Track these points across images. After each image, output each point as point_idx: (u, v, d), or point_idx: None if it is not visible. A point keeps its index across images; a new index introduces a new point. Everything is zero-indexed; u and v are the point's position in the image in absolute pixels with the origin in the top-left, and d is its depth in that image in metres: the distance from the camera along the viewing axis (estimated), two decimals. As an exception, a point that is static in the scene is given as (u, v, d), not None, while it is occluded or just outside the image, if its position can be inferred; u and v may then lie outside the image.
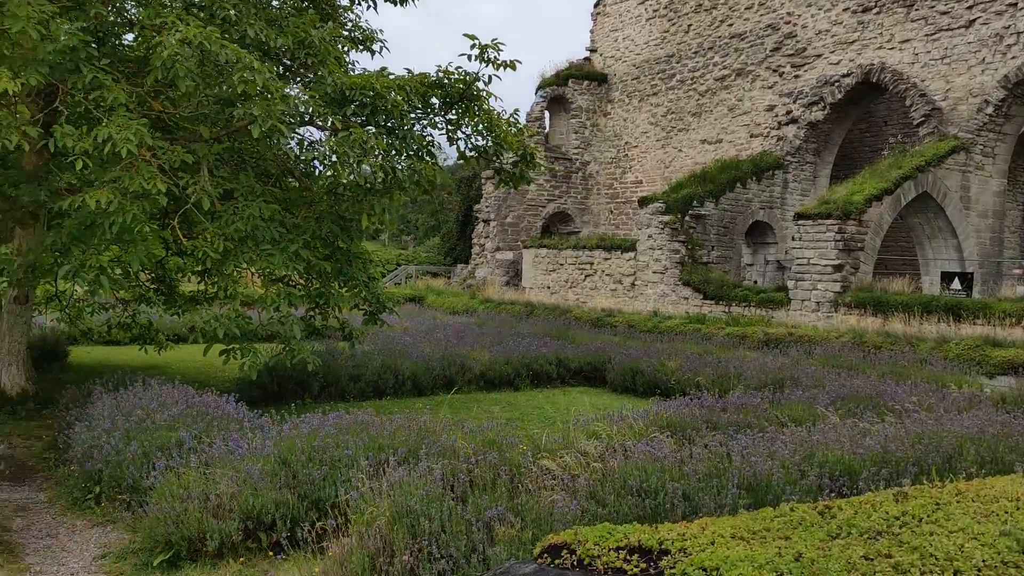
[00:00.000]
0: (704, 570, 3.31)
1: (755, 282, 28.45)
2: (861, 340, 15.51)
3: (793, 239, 22.68)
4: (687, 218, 26.80)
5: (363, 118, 9.60)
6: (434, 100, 11.26)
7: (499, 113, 11.74)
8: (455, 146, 11.55)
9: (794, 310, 21.80)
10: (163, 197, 8.60)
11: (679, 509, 5.26)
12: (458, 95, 10.78)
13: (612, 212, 38.63)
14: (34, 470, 8.39)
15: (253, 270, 9.63)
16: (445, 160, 64.45)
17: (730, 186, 27.96)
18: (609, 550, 3.60)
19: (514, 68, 10.35)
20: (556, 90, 38.14)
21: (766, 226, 29.09)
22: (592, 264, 30.35)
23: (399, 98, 9.64)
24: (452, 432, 6.78)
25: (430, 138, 11.64)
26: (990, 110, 23.09)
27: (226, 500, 5.71)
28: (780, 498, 5.41)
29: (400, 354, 14.67)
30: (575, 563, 3.57)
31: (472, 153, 11.45)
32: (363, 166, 9.50)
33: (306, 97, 9.16)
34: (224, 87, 8.86)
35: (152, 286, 15.50)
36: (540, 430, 7.96)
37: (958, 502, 4.26)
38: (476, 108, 10.85)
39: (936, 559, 3.41)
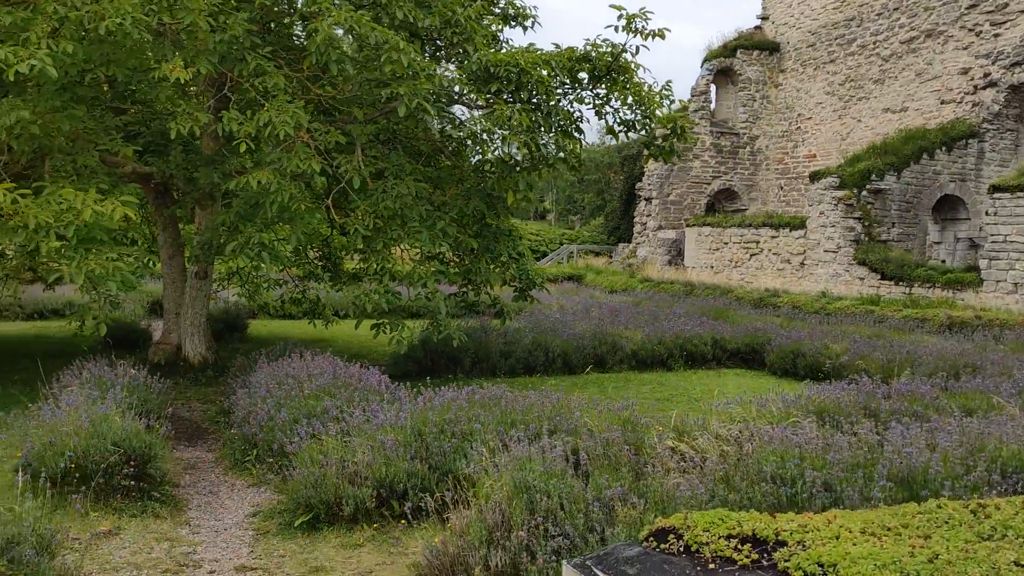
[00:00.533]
0: (821, 566, 3.03)
1: (943, 261, 26.20)
2: (1062, 325, 13.89)
3: (987, 214, 20.66)
4: (864, 193, 25.05)
5: (508, 95, 9.60)
6: (582, 75, 11.11)
7: (650, 86, 11.41)
8: (603, 120, 11.34)
9: (987, 292, 19.86)
10: (318, 177, 9.01)
11: (818, 500, 4.90)
12: (605, 68, 10.55)
13: (782, 188, 36.80)
14: (207, 432, 9.10)
15: (402, 247, 9.90)
16: (603, 138, 64.02)
17: (915, 158, 25.82)
18: (719, 538, 3.38)
19: (663, 37, 9.98)
20: (723, 62, 36.68)
21: (957, 200, 26.66)
22: (758, 243, 29.11)
23: (544, 73, 9.55)
24: (586, 410, 6.68)
25: (578, 114, 11.51)
26: None
27: (362, 468, 5.92)
28: (938, 493, 4.91)
29: (551, 332, 14.68)
30: (681, 549, 3.38)
31: (620, 128, 11.19)
32: (508, 143, 9.52)
33: (453, 76, 9.26)
34: (374, 69, 9.13)
35: (320, 263, 16.41)
36: (683, 412, 7.71)
37: None
38: (624, 81, 10.57)
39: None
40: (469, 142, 9.55)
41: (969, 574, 2.85)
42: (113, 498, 6.02)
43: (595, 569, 3.37)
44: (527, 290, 13.06)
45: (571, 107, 10.79)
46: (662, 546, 3.44)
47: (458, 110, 12.05)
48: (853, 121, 33.07)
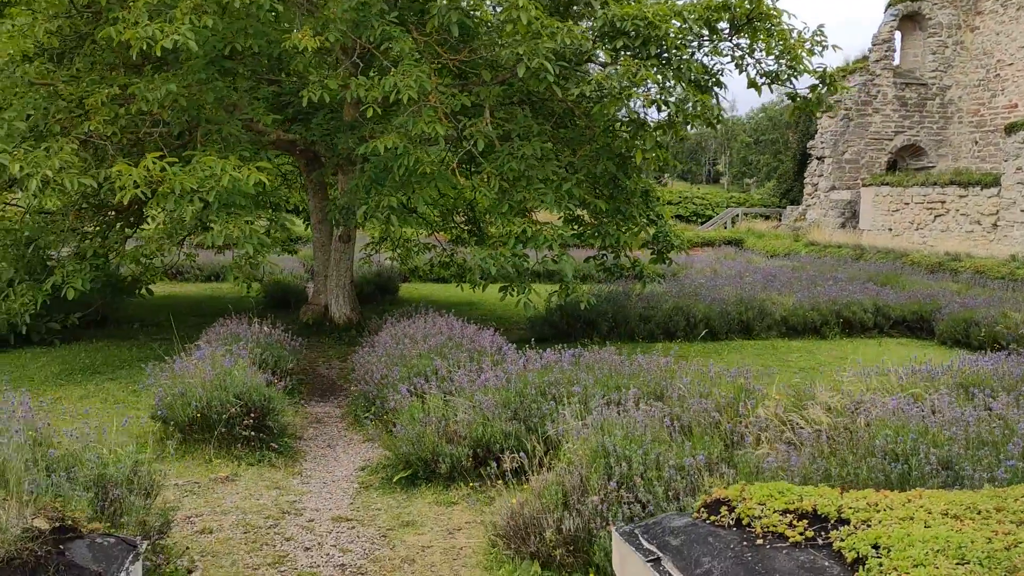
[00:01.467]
0: (876, 548, 2.69)
1: None
2: None
3: None
4: (1070, 145, 22.30)
5: (635, 50, 9.22)
6: (722, 24, 10.50)
7: (799, 32, 10.61)
8: (744, 73, 10.68)
9: None
10: (441, 140, 9.09)
11: (934, 479, 4.39)
12: (745, 16, 9.90)
13: (976, 143, 33.44)
14: (340, 388, 9.52)
15: (528, 207, 9.82)
16: (781, 96, 60.73)
17: None
18: (774, 512, 3.08)
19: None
20: (910, 6, 33.61)
21: None
22: (943, 203, 26.73)
23: (676, 25, 9.08)
24: (699, 376, 6.37)
25: (718, 67, 10.92)
26: None
27: (461, 427, 5.95)
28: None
29: (694, 296, 14.17)
30: (732, 522, 3.11)
31: (764, 80, 10.49)
32: (636, 100, 9.17)
33: (578, 33, 8.99)
34: (497, 29, 9.05)
35: (466, 227, 16.70)
36: (824, 381, 7.20)
37: None
38: (769, 28, 9.88)
39: None
40: (593, 100, 9.23)
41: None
42: (234, 447, 6.41)
43: (640, 537, 3.18)
44: (665, 253, 12.66)
45: (707, 60, 10.23)
46: (712, 518, 3.18)
47: (594, 70, 11.76)
48: (1062, 65, 29.43)
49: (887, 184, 29.57)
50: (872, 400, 5.19)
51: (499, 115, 10.24)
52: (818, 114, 10.98)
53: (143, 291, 13.27)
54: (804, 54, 10.55)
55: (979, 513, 2.97)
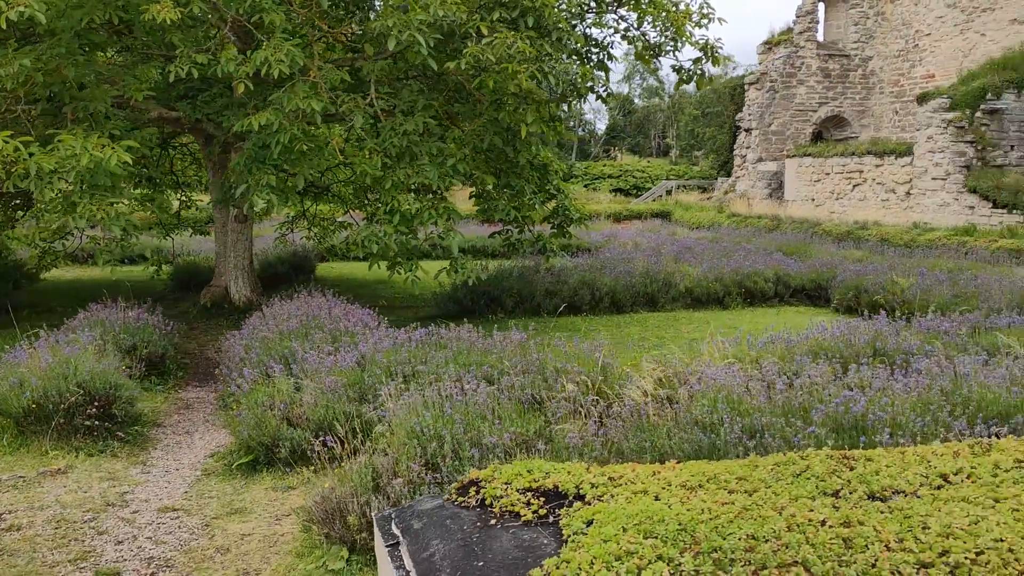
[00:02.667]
0: (588, 524, 2.69)
1: (1072, 188, 23.68)
2: None
3: (1113, 133, 18.42)
4: (978, 114, 22.85)
5: (510, 22, 9.10)
6: (608, -4, 10.44)
7: (686, 5, 10.61)
8: (632, 46, 10.66)
9: (1110, 220, 17.86)
10: (318, 116, 8.88)
11: (740, 448, 4.45)
12: (628, -13, 9.85)
13: (896, 113, 34.10)
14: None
15: (410, 184, 9.68)
16: (724, 69, 61.13)
17: (1039, 73, 23.27)
18: (517, 491, 3.07)
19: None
20: (832, -23, 34.03)
21: (1089, 119, 23.91)
22: (861, 172, 27.26)
23: (551, -5, 8.98)
24: (548, 351, 6.36)
25: (608, 40, 10.88)
26: None
27: (307, 410, 5.86)
28: (875, 443, 4.37)
29: (599, 270, 14.24)
30: (477, 503, 3.09)
31: (649, 53, 10.47)
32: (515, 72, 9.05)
33: (451, 4, 8.82)
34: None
35: (380, 206, 16.47)
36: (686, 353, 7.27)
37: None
38: (647, 0, 9.85)
39: (926, 532, 2.48)
40: (471, 74, 9.11)
41: (726, 543, 2.43)
42: (75, 437, 6.22)
43: (392, 522, 3.14)
44: (565, 226, 12.66)
45: (597, 33, 10.16)
46: (460, 499, 3.16)
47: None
48: (977, 36, 30.07)
49: (809, 155, 30.05)
50: (700, 372, 5.23)
51: (383, 90, 10.06)
52: (699, 88, 10.93)
53: (39, 276, 12.84)
54: (690, 26, 10.57)
55: (719, 485, 2.99)
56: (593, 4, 10.34)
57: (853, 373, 5.60)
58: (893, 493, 2.94)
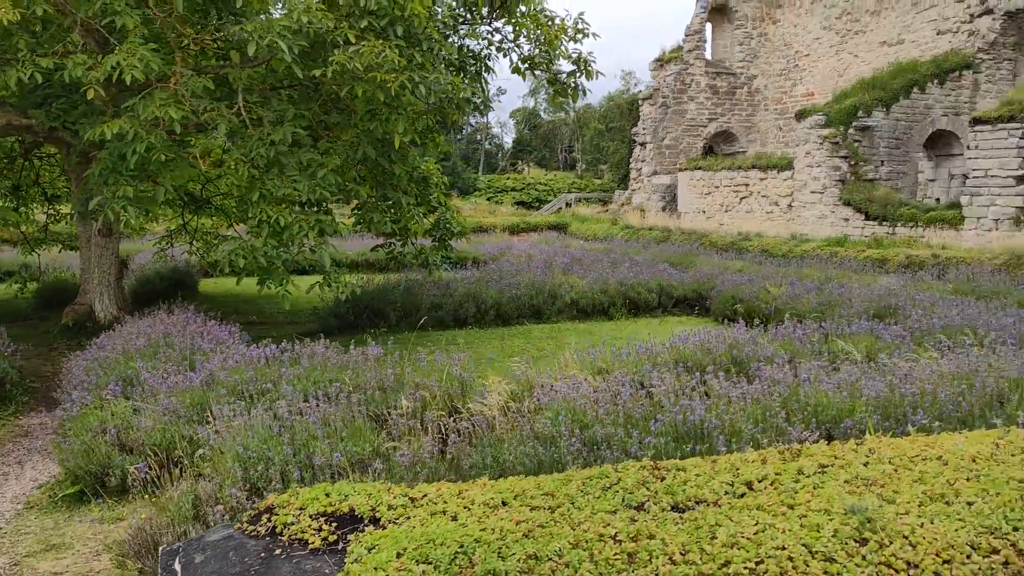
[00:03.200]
0: (368, 549, 2.57)
1: (937, 200, 25.13)
2: (1019, 262, 13.07)
3: (969, 148, 19.63)
4: (851, 131, 23.99)
5: (379, 30, 8.95)
6: (486, 9, 10.41)
7: (562, 19, 10.69)
8: (508, 58, 10.66)
9: (968, 229, 18.97)
10: (176, 125, 8.50)
11: (578, 461, 4.40)
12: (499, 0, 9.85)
13: (780, 129, 35.54)
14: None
15: (279, 196, 9.38)
16: (627, 83, 62.33)
17: (905, 92, 24.62)
18: (309, 517, 2.92)
19: (552, -38, 9.24)
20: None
21: (950, 135, 25.46)
22: (747, 185, 28.23)
23: (418, 7, 8.87)
24: (408, 366, 6.21)
25: (486, 51, 10.85)
26: None
27: (144, 434, 5.52)
28: (715, 449, 4.40)
29: (485, 283, 14.19)
30: (267, 531, 2.93)
31: (525, 66, 10.50)
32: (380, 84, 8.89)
33: (316, 10, 8.60)
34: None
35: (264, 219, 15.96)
36: (552, 364, 7.24)
37: (866, 464, 3.14)
38: (521, 13, 9.87)
39: (713, 543, 2.46)
40: (338, 83, 8.91)
41: (515, 555, 2.35)
42: None
43: (177, 556, 2.93)
44: (447, 239, 12.55)
45: (475, 45, 10.11)
46: (250, 528, 2.99)
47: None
48: (850, 56, 31.68)
49: (700, 168, 30.94)
50: (547, 384, 5.19)
51: (252, 99, 9.74)
52: (574, 101, 10.98)
53: None
54: (567, 40, 10.66)
55: (525, 502, 2.91)
56: (469, 15, 10.29)
57: (700, 382, 5.67)
58: (696, 503, 2.93)
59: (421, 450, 4.34)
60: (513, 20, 10.30)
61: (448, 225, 12.22)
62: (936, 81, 24.81)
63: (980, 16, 25.41)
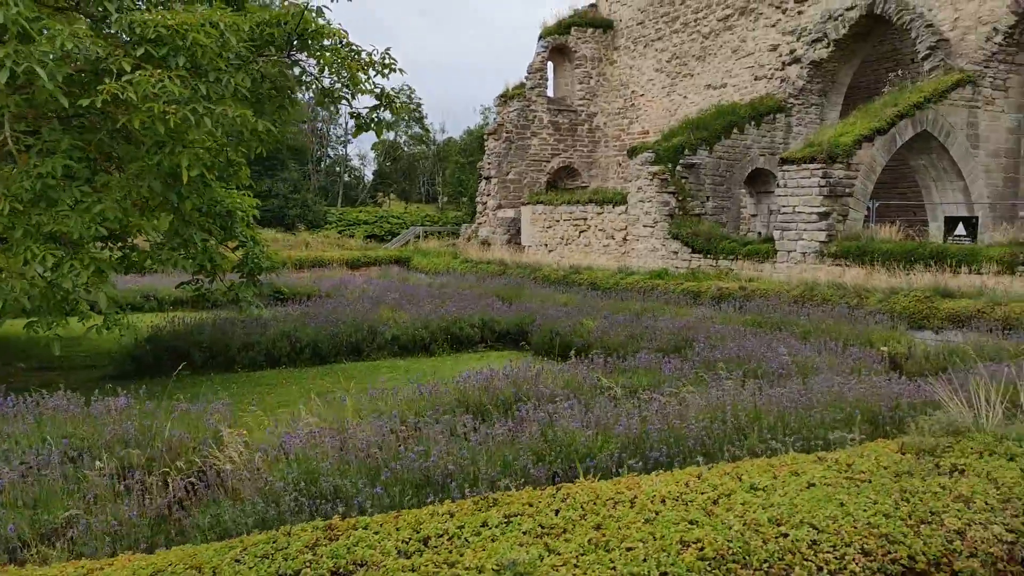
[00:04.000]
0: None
1: (759, 233, 26.71)
2: (811, 294, 13.96)
3: (778, 186, 20.98)
4: (678, 168, 25.16)
5: (158, 59, 8.51)
6: (288, 40, 10.14)
7: (369, 54, 10.57)
8: (309, 91, 10.42)
9: (780, 262, 20.19)
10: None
11: (302, 517, 4.17)
12: (296, 33, 9.61)
13: (620, 165, 36.93)
14: None
15: (47, 232, 8.69)
16: (487, 118, 63.10)
17: (726, 132, 26.12)
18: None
19: (345, -4, 9.12)
20: (558, 39, 36.36)
21: (768, 174, 27.18)
22: (586, 219, 29.02)
23: (201, 37, 8.50)
24: (165, 418, 5.78)
25: (285, 85, 10.55)
26: (999, 39, 20.83)
27: None
28: (449, 495, 4.29)
29: (301, 320, 13.74)
30: None
31: (327, 99, 10.29)
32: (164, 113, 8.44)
33: (84, 36, 8.08)
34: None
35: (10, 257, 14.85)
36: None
37: (557, 512, 3.09)
38: (317, 46, 9.67)
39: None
40: (110, 112, 8.42)
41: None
42: None
43: None
44: (256, 275, 12.07)
45: (262, 75, 9.78)
46: None
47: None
48: (680, 98, 33.42)
49: (541, 203, 31.58)
50: (281, 436, 4.94)
51: (19, 128, 9.02)
52: (378, 135, 10.84)
53: None
54: (375, 73, 10.54)
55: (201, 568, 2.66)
56: (260, 46, 9.98)
57: (469, 424, 5.57)
58: (358, 566, 2.77)
59: (119, 516, 3.98)
60: (316, 53, 10.08)
61: (256, 260, 11.74)
62: (753, 123, 26.47)
63: (790, 64, 27.43)
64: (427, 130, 78.79)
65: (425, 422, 5.50)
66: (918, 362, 9.24)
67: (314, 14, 9.56)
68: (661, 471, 4.39)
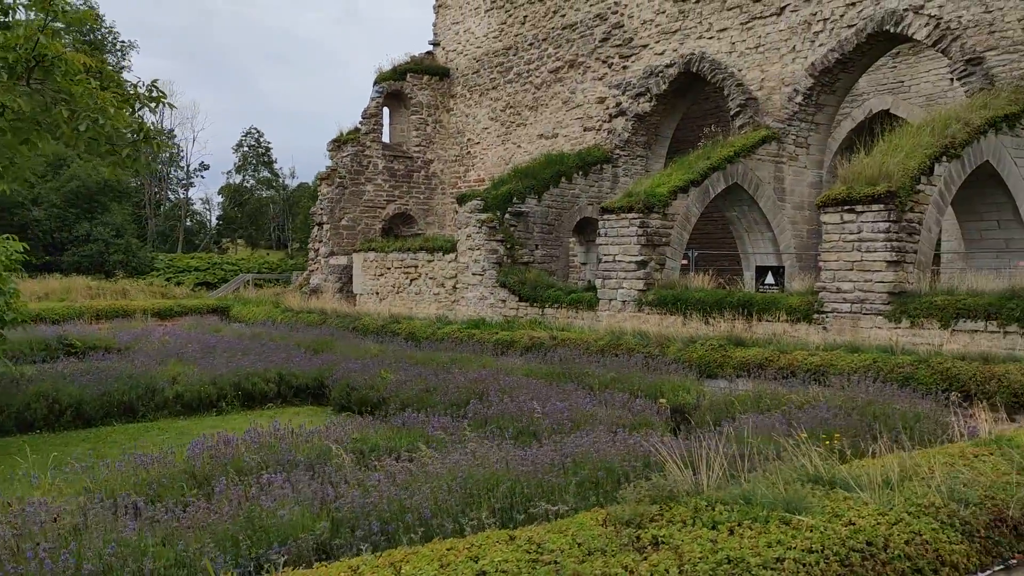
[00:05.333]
0: None
1: (588, 281, 27.01)
2: (618, 343, 13.93)
3: (599, 235, 21.25)
4: (507, 216, 25.12)
5: None
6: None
7: (134, 84, 9.62)
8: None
9: (602, 310, 20.32)
10: None
11: None
12: (33, 58, 8.56)
13: (456, 212, 36.68)
14: None
15: None
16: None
17: (554, 181, 26.41)
18: None
19: (88, 21, 8.20)
20: (394, 85, 36.02)
21: (596, 223, 27.62)
22: (417, 267, 28.45)
23: None
24: None
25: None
26: (799, 99, 22.20)
27: None
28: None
29: (63, 378, 12.28)
30: None
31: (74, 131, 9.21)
32: None
33: None
34: None
35: None
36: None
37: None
38: (59, 74, 8.65)
39: None
40: None
41: None
42: None
43: None
44: (-1, 330, 10.64)
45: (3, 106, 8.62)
46: None
47: None
48: (514, 146, 33.76)
49: (373, 250, 30.79)
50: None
51: None
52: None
53: None
54: (140, 107, 9.60)
55: None
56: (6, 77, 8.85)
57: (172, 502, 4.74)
58: None
59: None
60: (62, 83, 9.03)
61: (1, 313, 10.35)
62: (581, 172, 26.94)
63: (616, 117, 28.25)
64: (276, 174, 76.33)
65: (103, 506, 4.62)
66: (703, 413, 9.16)
67: (51, 37, 8.55)
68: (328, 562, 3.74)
